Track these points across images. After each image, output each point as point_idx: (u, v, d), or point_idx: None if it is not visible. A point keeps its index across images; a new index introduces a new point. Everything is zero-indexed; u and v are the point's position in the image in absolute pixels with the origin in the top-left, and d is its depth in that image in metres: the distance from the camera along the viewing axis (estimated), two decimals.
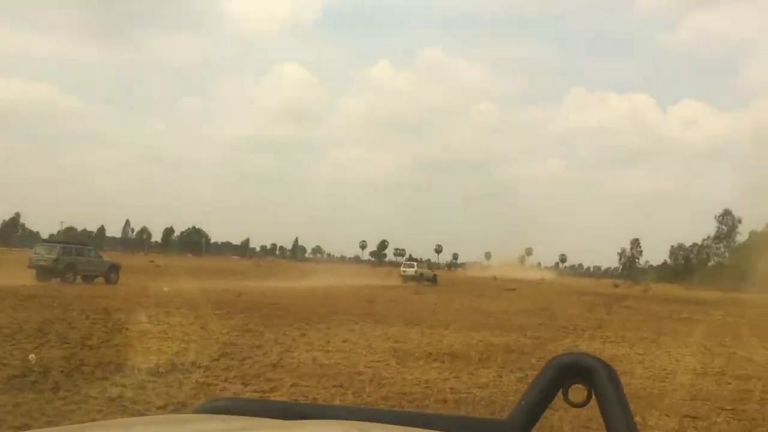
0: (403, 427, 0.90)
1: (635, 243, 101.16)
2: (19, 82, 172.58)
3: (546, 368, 0.92)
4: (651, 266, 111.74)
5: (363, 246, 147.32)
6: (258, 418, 0.93)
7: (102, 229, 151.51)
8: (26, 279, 23.87)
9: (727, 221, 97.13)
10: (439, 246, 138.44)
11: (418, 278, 47.34)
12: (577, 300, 36.41)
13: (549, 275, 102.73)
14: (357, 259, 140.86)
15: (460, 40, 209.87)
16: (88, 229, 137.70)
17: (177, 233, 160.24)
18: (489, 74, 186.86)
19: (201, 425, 0.92)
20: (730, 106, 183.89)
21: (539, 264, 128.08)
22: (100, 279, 27.29)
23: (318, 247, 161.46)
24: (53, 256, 25.91)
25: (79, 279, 26.68)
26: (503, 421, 0.90)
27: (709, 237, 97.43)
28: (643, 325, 20.44)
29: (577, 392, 0.89)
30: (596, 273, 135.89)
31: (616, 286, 71.56)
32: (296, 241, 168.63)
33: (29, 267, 26.06)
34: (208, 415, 0.94)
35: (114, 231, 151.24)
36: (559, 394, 0.91)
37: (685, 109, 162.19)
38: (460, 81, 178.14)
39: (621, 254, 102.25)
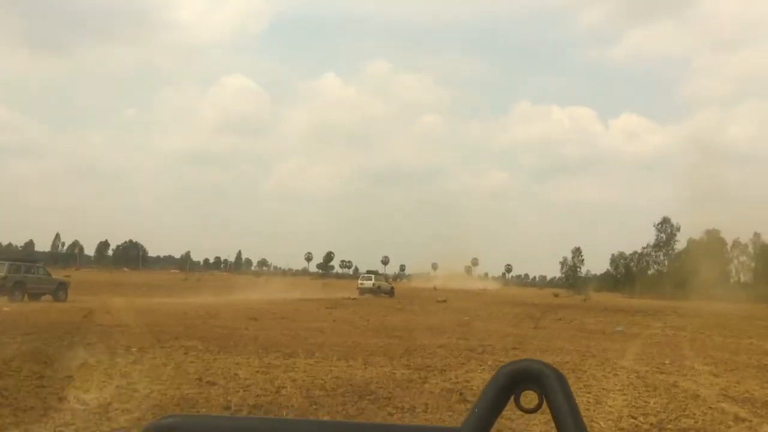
0: None
1: (576, 252, 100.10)
2: None
3: (497, 375, 0.92)
4: (594, 275, 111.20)
5: (308, 258, 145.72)
6: None
7: (30, 243, 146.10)
8: None
9: (666, 229, 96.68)
10: (385, 257, 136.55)
11: (375, 291, 46.58)
12: (508, 312, 33.17)
13: (493, 285, 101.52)
14: (304, 272, 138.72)
15: (405, 53, 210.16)
16: (14, 243, 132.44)
17: (113, 246, 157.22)
18: (434, 88, 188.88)
19: None
20: (667, 120, 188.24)
21: (486, 274, 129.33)
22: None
23: (264, 259, 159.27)
24: (1, 273, 24.89)
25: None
26: (457, 429, 0.89)
27: (648, 245, 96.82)
28: (570, 344, 16.96)
29: (529, 398, 0.90)
30: (541, 283, 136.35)
31: (556, 295, 69.19)
32: (239, 253, 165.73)
33: None
34: None
35: (44, 245, 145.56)
36: (511, 400, 0.91)
37: (625, 122, 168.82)
38: (405, 94, 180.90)
39: (563, 263, 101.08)
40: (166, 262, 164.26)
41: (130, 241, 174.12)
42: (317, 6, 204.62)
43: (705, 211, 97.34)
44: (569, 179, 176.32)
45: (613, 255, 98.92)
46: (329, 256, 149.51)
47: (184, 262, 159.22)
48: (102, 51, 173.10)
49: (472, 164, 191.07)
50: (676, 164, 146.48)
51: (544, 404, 0.89)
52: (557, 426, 0.86)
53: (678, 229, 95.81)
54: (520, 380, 0.90)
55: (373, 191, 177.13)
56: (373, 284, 48.59)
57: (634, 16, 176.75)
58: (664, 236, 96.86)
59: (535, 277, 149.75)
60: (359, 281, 51.06)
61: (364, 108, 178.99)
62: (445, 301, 41.84)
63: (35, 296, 26.01)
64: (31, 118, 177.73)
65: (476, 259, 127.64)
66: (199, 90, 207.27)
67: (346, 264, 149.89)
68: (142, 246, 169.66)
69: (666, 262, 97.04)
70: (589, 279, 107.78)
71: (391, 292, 47.84)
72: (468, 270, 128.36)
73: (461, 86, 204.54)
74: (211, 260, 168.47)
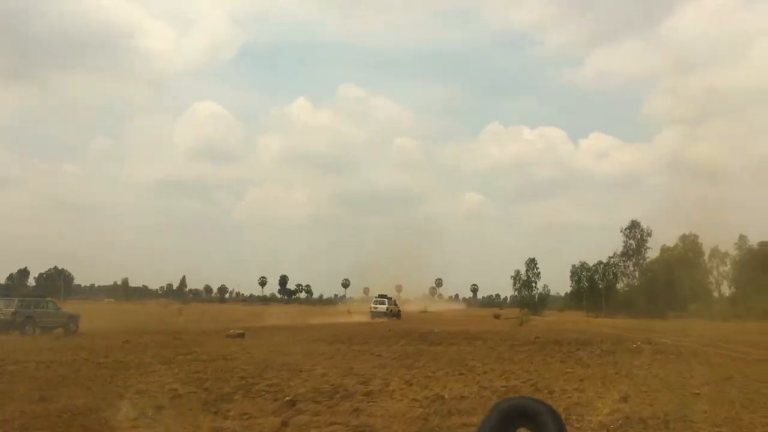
0: None
1: (531, 264, 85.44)
2: None
3: (491, 412, 0.93)
4: (556, 294, 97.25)
5: (262, 283, 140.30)
6: None
7: None
8: None
9: (635, 234, 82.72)
10: (346, 280, 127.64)
11: (388, 314, 46.32)
12: (377, 348, 18.25)
13: (447, 306, 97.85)
14: (264, 298, 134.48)
15: (377, 78, 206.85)
16: None
17: (35, 275, 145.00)
18: (407, 112, 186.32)
19: None
20: (635, 138, 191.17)
21: (452, 296, 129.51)
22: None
23: (223, 286, 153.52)
24: (11, 309, 25.27)
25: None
26: None
27: (615, 254, 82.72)
28: None
29: None
30: (505, 302, 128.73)
31: (497, 317, 54.58)
32: (183, 279, 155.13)
33: None
34: None
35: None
36: None
37: (595, 142, 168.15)
38: (378, 118, 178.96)
39: (515, 278, 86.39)
40: (98, 291, 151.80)
41: (55, 268, 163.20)
42: (287, 33, 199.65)
43: (678, 225, 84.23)
44: (542, 199, 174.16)
45: (573, 266, 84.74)
46: (284, 280, 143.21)
47: (119, 291, 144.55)
48: (70, 80, 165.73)
49: (446, 187, 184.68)
50: (647, 182, 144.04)
51: None
52: None
53: (649, 235, 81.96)
54: (514, 418, 0.91)
55: (344, 215, 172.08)
56: (387, 308, 48.03)
57: (601, 36, 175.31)
58: (633, 243, 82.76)
59: (506, 297, 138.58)
60: (372, 305, 49.50)
61: (337, 132, 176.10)
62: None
63: (46, 330, 25.90)
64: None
65: (440, 279, 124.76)
66: (171, 118, 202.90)
67: (305, 288, 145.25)
68: (69, 273, 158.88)
69: (637, 274, 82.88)
70: (551, 296, 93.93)
71: (398, 315, 47.66)
72: (432, 292, 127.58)
73: (433, 110, 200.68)
74: (156, 288, 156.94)
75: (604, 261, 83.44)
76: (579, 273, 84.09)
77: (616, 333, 30.94)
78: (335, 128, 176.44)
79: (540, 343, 23.35)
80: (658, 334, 29.06)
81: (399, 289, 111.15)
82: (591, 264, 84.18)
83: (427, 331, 29.03)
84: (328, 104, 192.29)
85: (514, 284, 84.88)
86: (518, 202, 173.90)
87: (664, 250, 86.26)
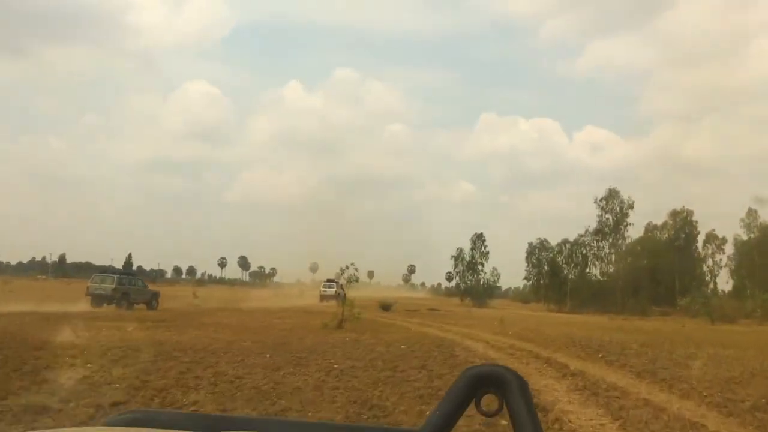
0: None
1: (478, 240, 65.51)
2: None
3: (459, 379, 0.93)
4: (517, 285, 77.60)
5: (222, 264, 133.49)
6: (171, 431, 0.95)
7: None
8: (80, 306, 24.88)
9: (613, 207, 63.23)
10: (314, 264, 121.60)
11: (336, 297, 39.66)
12: None
13: (423, 294, 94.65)
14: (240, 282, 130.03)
15: (372, 63, 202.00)
16: None
17: None
18: (401, 97, 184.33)
19: None
20: (630, 132, 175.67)
21: (423, 283, 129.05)
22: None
23: (192, 267, 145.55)
24: (111, 285, 27.73)
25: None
26: (418, 431, 0.90)
27: (587, 231, 63.26)
28: None
29: (490, 402, 0.91)
30: None
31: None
32: (129, 256, 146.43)
33: (87, 295, 27.49)
34: (120, 428, 0.93)
35: None
36: (472, 403, 0.93)
37: (589, 135, 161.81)
38: (372, 103, 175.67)
39: (456, 257, 66.77)
40: (27, 267, 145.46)
41: None
42: (282, 15, 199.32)
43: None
44: (535, 190, 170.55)
45: (529, 244, 64.99)
46: (244, 261, 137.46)
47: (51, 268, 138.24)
48: (60, 54, 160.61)
49: (438, 175, 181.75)
50: (642, 177, 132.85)
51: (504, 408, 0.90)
52: (515, 429, 0.87)
53: (631, 207, 62.54)
54: (481, 384, 0.91)
55: (333, 199, 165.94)
56: (336, 291, 43.60)
57: (598, 28, 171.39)
58: (610, 218, 63.32)
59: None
60: (321, 288, 50.47)
61: (330, 116, 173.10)
62: None
63: (131, 305, 27.61)
64: None
65: (413, 266, 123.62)
66: (161, 96, 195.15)
67: (271, 271, 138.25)
68: None
69: (613, 257, 63.44)
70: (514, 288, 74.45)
71: (344, 297, 36.59)
72: (405, 278, 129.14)
73: (428, 97, 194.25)
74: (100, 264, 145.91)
75: (570, 240, 63.74)
76: (537, 253, 64.36)
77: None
78: (328, 112, 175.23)
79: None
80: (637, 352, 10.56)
81: (371, 275, 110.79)
82: (553, 243, 64.62)
83: None
84: (322, 87, 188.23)
85: (455, 266, 64.95)
86: (510, 192, 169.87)
87: (650, 228, 67.15)
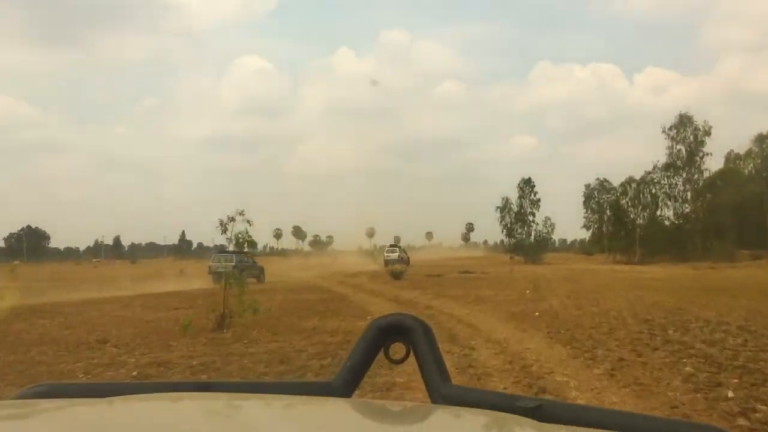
0: (235, 394, 0.95)
1: (526, 186, 56.28)
2: None
3: (368, 329, 0.95)
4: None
5: (277, 235, 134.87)
6: (79, 399, 0.93)
7: None
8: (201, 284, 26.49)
9: (686, 136, 53.13)
10: (370, 229, 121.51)
11: (399, 261, 45.86)
12: None
13: (467, 253, 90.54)
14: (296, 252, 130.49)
15: (421, 20, 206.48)
16: None
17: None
18: (452, 54, 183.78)
19: (23, 410, 0.91)
20: (693, 70, 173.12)
21: (486, 241, 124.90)
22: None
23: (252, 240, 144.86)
24: (232, 263, 27.98)
25: None
26: (330, 382, 0.94)
27: (656, 166, 53.48)
28: None
29: (398, 350, 0.93)
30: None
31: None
32: (183, 234, 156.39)
33: (209, 273, 29.86)
34: (31, 401, 0.93)
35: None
36: (381, 352, 0.95)
37: (650, 76, 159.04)
38: (422, 62, 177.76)
39: (503, 208, 55.98)
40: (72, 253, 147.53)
41: (29, 227, 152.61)
42: None
43: None
44: (596, 138, 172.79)
45: (587, 187, 55.64)
46: (298, 231, 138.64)
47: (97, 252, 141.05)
48: (113, 41, 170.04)
49: (495, 130, 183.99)
50: (708, 116, 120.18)
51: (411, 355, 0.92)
52: (422, 374, 0.91)
53: (707, 133, 52.31)
54: (389, 333, 0.93)
55: (390, 165, 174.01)
56: (398, 256, 49.83)
57: None
58: (683, 149, 53.38)
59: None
60: (385, 254, 52.25)
61: (381, 80, 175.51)
62: None
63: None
64: (49, 112, 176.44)
65: (471, 224, 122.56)
66: (215, 73, 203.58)
67: (328, 239, 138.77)
68: (45, 233, 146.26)
69: (689, 195, 53.66)
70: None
71: (407, 262, 48.05)
72: (464, 237, 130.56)
73: (480, 51, 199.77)
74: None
75: (637, 178, 54.00)
76: (596, 196, 55.06)
77: None
78: (379, 76, 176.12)
79: None
80: None
81: (429, 236, 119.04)
82: (615, 183, 55.02)
83: None
84: (371, 52, 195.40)
85: (501, 218, 56.32)
86: (571, 142, 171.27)
87: (731, 158, 56.88)
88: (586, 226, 56.37)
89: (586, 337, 8.56)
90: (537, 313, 11.45)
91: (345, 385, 0.93)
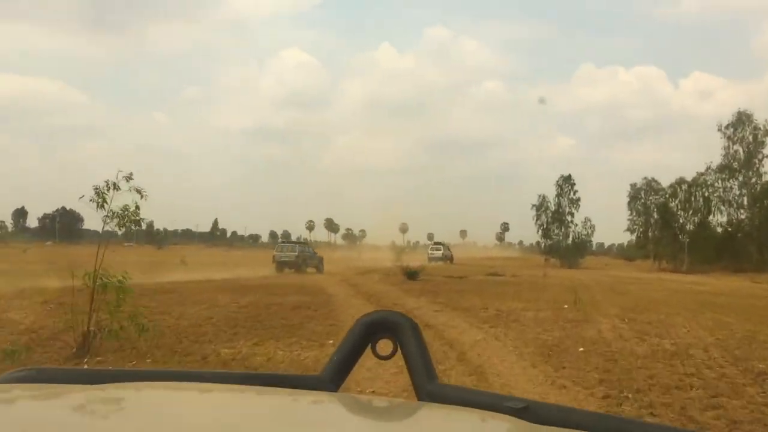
0: (220, 385, 0.95)
1: (565, 183, 51.14)
2: (18, 77, 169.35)
3: (355, 325, 0.96)
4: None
5: (310, 227, 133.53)
6: (65, 385, 0.93)
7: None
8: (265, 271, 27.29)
9: (744, 135, 48.05)
10: (404, 225, 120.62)
11: (443, 259, 47.77)
12: None
13: (504, 253, 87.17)
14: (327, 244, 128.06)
15: (464, 18, 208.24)
16: None
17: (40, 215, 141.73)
18: (494, 53, 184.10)
19: (4, 395, 0.89)
20: (742, 76, 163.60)
21: (521, 241, 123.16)
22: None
23: (286, 231, 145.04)
24: (296, 253, 31.53)
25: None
26: (318, 376, 0.95)
27: (709, 168, 48.43)
28: None
29: (385, 346, 0.93)
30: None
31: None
32: (215, 222, 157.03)
33: (273, 262, 30.89)
34: (14, 385, 0.92)
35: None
36: (369, 348, 0.95)
37: (697, 82, 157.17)
38: (464, 60, 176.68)
39: (539, 206, 50.19)
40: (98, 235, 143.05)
41: (63, 208, 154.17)
42: None
43: None
44: (637, 142, 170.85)
45: (632, 186, 50.80)
46: (330, 224, 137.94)
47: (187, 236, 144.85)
48: (160, 30, 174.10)
49: (534, 130, 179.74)
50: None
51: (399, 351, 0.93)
52: (409, 370, 0.91)
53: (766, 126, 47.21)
54: (376, 330, 0.94)
55: (428, 161, 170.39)
56: (443, 253, 49.45)
57: None
58: (740, 150, 48.37)
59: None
60: (429, 251, 51.28)
61: (422, 77, 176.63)
62: None
63: (305, 269, 31.01)
64: (95, 99, 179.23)
65: (506, 224, 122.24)
66: (258, 65, 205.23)
67: (360, 233, 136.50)
68: (78, 214, 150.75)
69: (745, 200, 48.62)
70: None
71: (451, 259, 48.98)
72: (499, 237, 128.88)
73: (522, 51, 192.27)
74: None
75: (688, 179, 48.99)
76: (642, 197, 50.24)
77: None
78: (420, 73, 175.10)
79: None
80: None
81: (464, 234, 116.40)
82: (665, 183, 50.08)
83: None
84: (413, 48, 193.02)
85: (537, 217, 51.91)
86: (611, 145, 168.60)
87: None
88: (630, 229, 51.55)
89: (677, 412, 4.78)
90: (581, 348, 7.68)
91: (333, 378, 0.93)
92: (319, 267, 31.94)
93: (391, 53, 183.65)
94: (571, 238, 49.50)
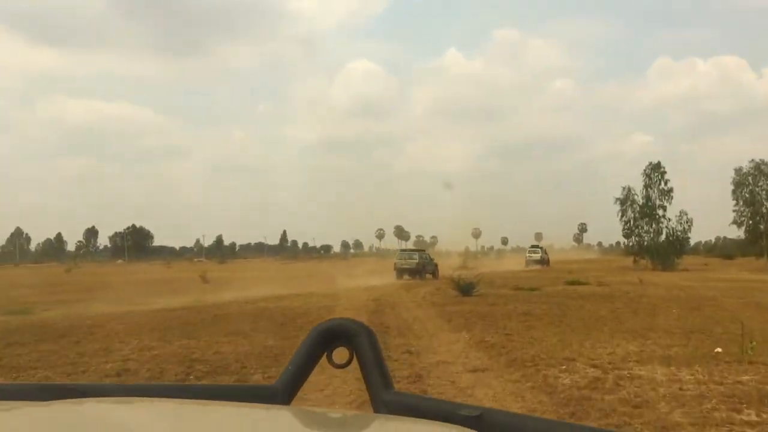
0: (174, 399, 0.93)
1: (654, 172, 43.41)
2: (98, 102, 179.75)
3: (311, 334, 0.95)
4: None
5: (380, 235, 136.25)
6: (15, 401, 0.91)
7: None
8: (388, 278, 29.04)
9: None
10: (476, 230, 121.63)
11: (541, 262, 47.80)
12: None
13: (582, 254, 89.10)
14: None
15: (532, 18, 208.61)
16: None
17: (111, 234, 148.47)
18: (564, 52, 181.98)
19: None
20: None
21: (600, 243, 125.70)
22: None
23: (358, 241, 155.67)
24: (416, 260, 32.87)
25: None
26: (272, 386, 0.93)
27: None
28: None
29: (341, 354, 0.92)
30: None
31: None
32: (284, 234, 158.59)
33: (395, 269, 32.48)
34: None
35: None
36: (324, 357, 0.94)
37: None
38: (534, 61, 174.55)
39: (624, 200, 42.91)
40: (170, 252, 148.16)
41: (133, 226, 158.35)
42: None
43: None
44: (721, 135, 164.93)
45: (737, 171, 42.96)
46: (400, 231, 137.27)
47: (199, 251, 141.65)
48: (230, 49, 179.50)
49: (609, 128, 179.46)
50: None
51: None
52: (364, 378, 0.90)
53: None
54: (332, 338, 0.93)
55: (499, 166, 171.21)
56: (541, 257, 49.40)
57: None
58: None
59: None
60: (527, 254, 52.02)
61: (491, 81, 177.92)
62: None
63: (424, 275, 31.77)
64: (173, 119, 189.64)
65: (584, 225, 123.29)
66: (327, 78, 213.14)
67: (432, 240, 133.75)
68: (149, 232, 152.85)
69: None
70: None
71: (548, 263, 48.98)
72: (576, 238, 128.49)
73: (593, 48, 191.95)
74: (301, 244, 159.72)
75: None
76: (750, 183, 42.31)
77: None
78: (488, 76, 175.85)
79: None
80: None
81: (539, 237, 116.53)
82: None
83: None
84: (481, 52, 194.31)
85: (622, 213, 44.84)
86: (692, 139, 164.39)
87: None
88: (737, 222, 43.69)
89: None
90: None
91: (288, 388, 0.91)
92: (435, 273, 32.14)
93: (457, 58, 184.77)
94: (664, 235, 42.28)
